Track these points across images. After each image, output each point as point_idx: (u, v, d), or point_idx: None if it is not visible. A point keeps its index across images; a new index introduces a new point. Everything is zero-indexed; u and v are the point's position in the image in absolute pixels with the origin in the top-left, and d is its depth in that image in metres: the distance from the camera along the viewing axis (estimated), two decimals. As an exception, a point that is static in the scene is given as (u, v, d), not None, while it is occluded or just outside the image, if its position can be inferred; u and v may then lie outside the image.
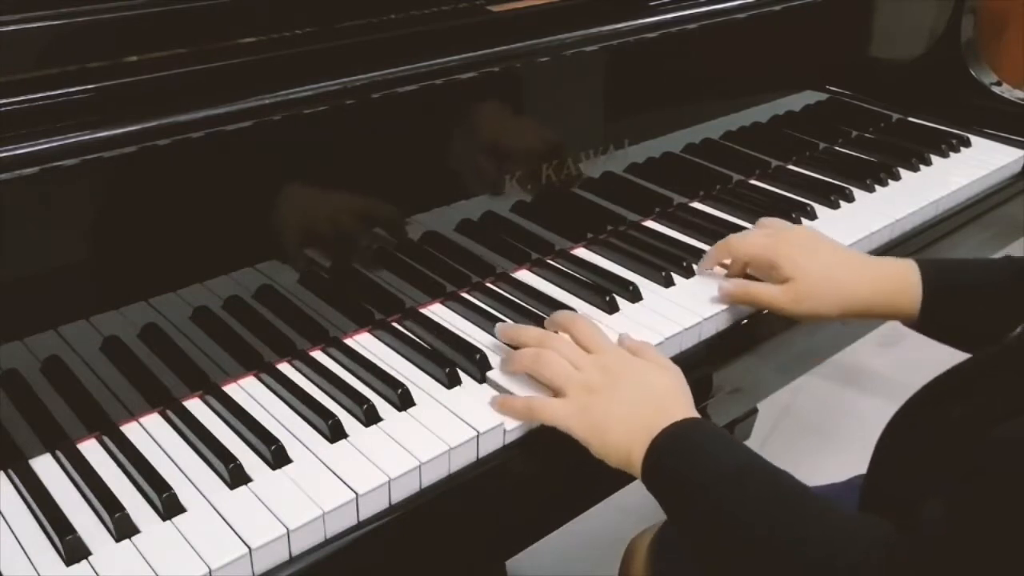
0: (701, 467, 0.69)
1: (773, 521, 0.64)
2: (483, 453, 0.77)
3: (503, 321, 0.89)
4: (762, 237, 0.94)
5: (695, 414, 0.74)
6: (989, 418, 0.63)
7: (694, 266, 1.00)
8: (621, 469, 0.73)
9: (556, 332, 0.84)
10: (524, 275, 1.00)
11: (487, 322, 0.90)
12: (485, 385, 0.82)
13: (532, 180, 0.97)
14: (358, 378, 0.82)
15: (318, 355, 0.85)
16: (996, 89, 1.42)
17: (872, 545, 0.59)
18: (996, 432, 0.56)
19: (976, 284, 0.89)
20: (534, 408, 0.77)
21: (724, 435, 0.72)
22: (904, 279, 0.88)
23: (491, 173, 0.94)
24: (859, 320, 0.93)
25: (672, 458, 0.70)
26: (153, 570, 0.63)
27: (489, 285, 0.97)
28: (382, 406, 0.79)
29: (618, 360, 0.78)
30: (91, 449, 0.74)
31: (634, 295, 0.95)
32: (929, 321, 0.88)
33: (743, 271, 0.96)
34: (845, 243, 1.07)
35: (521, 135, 0.96)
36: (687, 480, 0.69)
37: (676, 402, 0.75)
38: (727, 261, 0.98)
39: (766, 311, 0.94)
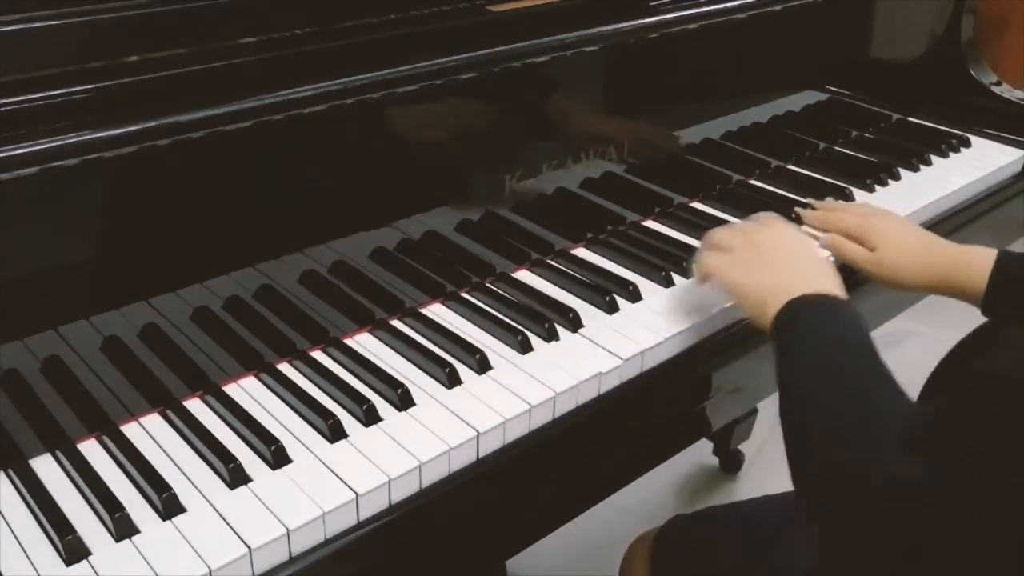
0: (828, 334, 0.75)
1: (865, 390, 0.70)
2: (483, 453, 0.77)
3: (504, 320, 0.89)
4: (855, 216, 1.03)
5: (843, 295, 0.81)
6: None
7: (694, 266, 1.00)
8: (751, 315, 0.84)
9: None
10: (524, 275, 1.00)
11: (487, 322, 0.90)
12: (485, 384, 0.82)
13: (532, 180, 0.97)
14: (358, 378, 0.82)
15: (318, 355, 0.85)
16: (996, 89, 1.41)
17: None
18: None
19: None
20: (710, 261, 0.89)
21: (859, 320, 0.77)
22: (980, 264, 0.92)
23: (491, 173, 0.94)
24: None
25: (808, 317, 0.77)
26: (153, 570, 0.63)
27: (489, 285, 0.97)
28: (382, 406, 0.79)
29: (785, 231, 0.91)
30: (91, 449, 0.74)
31: (634, 295, 0.95)
32: (991, 308, 0.91)
33: None
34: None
35: (521, 135, 0.96)
36: (811, 341, 0.75)
37: (827, 280, 0.82)
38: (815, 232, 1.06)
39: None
